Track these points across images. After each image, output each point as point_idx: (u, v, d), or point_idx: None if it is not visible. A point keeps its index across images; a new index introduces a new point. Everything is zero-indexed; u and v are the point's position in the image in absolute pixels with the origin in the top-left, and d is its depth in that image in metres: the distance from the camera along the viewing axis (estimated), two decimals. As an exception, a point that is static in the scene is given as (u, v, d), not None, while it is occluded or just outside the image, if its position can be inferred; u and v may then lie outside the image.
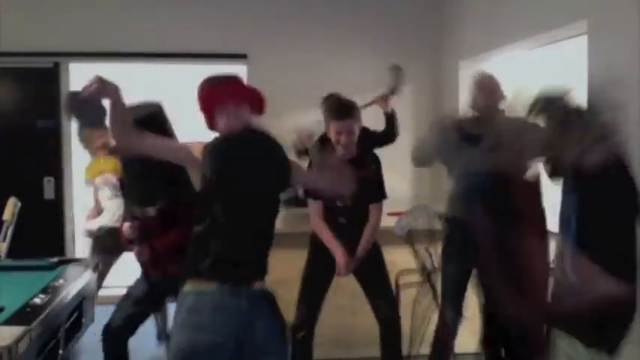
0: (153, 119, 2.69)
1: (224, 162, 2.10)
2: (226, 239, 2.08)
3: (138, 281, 2.93)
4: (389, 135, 4.10)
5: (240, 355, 2.08)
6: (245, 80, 2.39)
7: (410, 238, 3.14)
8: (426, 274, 3.15)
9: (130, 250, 2.93)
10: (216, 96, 2.21)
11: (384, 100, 4.14)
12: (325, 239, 3.13)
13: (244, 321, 2.06)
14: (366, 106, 3.85)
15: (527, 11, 4.00)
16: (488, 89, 3.06)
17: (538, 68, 4.24)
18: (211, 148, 2.11)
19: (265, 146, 2.21)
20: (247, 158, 2.12)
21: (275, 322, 2.16)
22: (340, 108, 3.12)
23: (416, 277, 3.22)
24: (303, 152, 4.25)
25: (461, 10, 5.23)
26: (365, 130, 3.38)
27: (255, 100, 2.27)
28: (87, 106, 2.92)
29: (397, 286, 3.44)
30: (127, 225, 2.86)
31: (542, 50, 3.99)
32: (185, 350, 2.03)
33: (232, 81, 2.29)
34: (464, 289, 3.18)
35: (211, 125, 2.25)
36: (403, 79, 4.21)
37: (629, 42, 2.90)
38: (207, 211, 2.08)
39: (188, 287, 2.08)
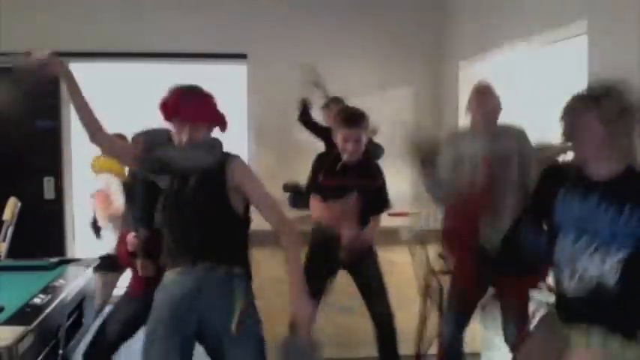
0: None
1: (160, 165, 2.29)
2: (169, 229, 2.28)
3: (127, 302, 2.87)
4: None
5: (199, 327, 2.19)
6: (245, 80, 2.40)
7: (420, 240, 3.15)
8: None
9: (129, 264, 2.87)
10: (163, 110, 2.30)
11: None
12: (329, 219, 3.11)
13: (192, 298, 2.16)
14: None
15: (527, 11, 4.00)
16: (486, 103, 2.95)
17: (538, 68, 4.23)
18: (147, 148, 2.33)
19: (196, 154, 2.27)
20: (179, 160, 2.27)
21: (233, 305, 2.17)
22: (350, 116, 3.13)
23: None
24: (307, 114, 4.54)
25: (461, 11, 5.24)
26: (371, 141, 3.39)
27: (216, 122, 2.33)
28: None
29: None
30: (131, 236, 2.81)
31: (542, 50, 3.99)
32: (147, 332, 2.20)
33: (188, 98, 2.32)
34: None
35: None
36: (317, 75, 4.28)
37: (629, 42, 2.90)
38: (160, 208, 2.32)
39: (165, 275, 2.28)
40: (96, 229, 3.99)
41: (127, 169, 3.33)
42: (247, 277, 2.23)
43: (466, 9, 5.13)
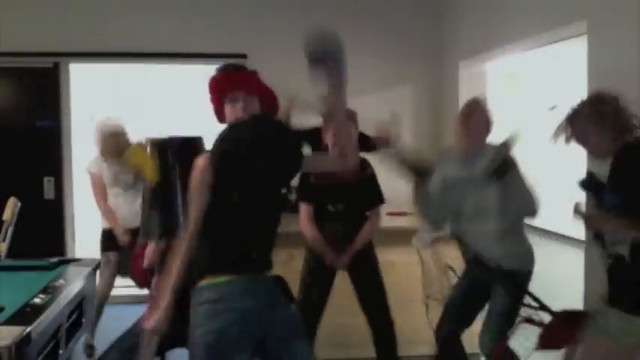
0: (193, 148, 2.66)
1: (234, 148, 2.00)
2: (241, 230, 2.06)
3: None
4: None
5: (263, 340, 2.07)
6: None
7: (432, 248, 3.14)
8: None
9: (144, 281, 2.79)
10: (227, 83, 2.17)
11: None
12: (312, 241, 3.16)
13: (267, 304, 2.06)
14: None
15: (527, 11, 4.00)
16: (477, 123, 2.85)
17: (538, 68, 4.24)
18: (221, 137, 2.03)
19: (276, 131, 2.08)
20: (257, 143, 2.00)
21: (291, 307, 2.18)
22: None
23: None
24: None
25: (461, 10, 5.23)
26: (361, 135, 3.39)
27: (266, 97, 2.24)
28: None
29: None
30: (151, 249, 2.70)
31: (542, 50, 3.99)
32: (216, 337, 1.97)
33: (244, 71, 2.26)
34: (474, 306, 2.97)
35: (220, 117, 2.22)
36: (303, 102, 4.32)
37: (629, 42, 2.90)
38: (220, 204, 2.05)
39: (204, 283, 2.04)
40: None
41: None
42: None
43: (466, 9, 5.13)
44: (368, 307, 3.23)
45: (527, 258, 2.87)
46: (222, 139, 2.02)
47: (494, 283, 2.80)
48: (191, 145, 2.90)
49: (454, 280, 3.05)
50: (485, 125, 2.87)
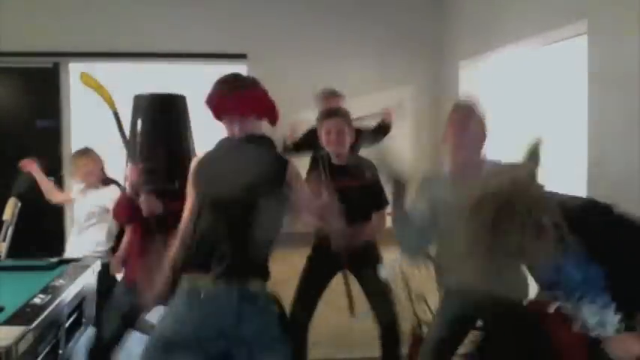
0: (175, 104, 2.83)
1: (208, 168, 2.18)
2: (215, 239, 2.12)
3: (124, 293, 2.91)
4: (377, 138, 4.13)
5: (230, 353, 2.07)
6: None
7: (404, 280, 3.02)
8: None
9: (130, 218, 2.87)
10: (222, 108, 2.20)
11: (389, 114, 4.16)
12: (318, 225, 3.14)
13: (232, 317, 2.04)
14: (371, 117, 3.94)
15: (527, 11, 4.00)
16: (473, 133, 2.33)
17: (538, 68, 4.24)
18: (201, 157, 2.21)
19: (256, 153, 2.18)
20: (231, 164, 2.16)
21: (269, 324, 2.12)
22: (328, 110, 3.21)
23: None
24: (289, 147, 4.38)
25: (461, 11, 5.23)
26: (358, 131, 3.39)
27: (264, 111, 2.24)
28: None
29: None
30: (131, 169, 2.80)
31: (542, 50, 3.99)
32: (166, 338, 2.04)
33: (240, 90, 2.22)
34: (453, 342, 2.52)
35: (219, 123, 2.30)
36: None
37: (629, 42, 2.90)
38: (199, 210, 2.16)
39: (184, 279, 2.12)
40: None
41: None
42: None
43: (466, 9, 5.13)
44: (373, 303, 3.22)
45: (524, 288, 2.39)
46: (200, 160, 2.21)
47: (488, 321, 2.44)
48: (161, 102, 3.07)
49: (427, 315, 2.85)
50: (482, 135, 2.37)
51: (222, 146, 2.24)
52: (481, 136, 2.35)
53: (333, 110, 3.18)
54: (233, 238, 2.13)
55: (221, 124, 2.25)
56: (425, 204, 2.39)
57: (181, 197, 2.31)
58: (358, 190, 3.11)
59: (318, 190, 2.85)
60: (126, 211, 2.91)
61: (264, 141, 2.25)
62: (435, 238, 2.42)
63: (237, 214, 2.14)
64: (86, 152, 3.72)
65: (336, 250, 3.07)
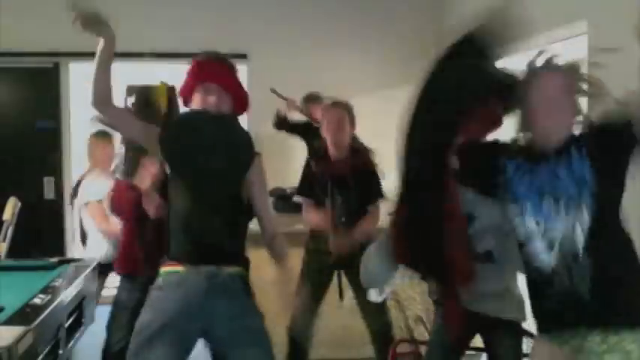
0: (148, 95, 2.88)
1: (175, 138, 2.07)
2: (186, 222, 2.09)
3: (128, 290, 2.89)
4: None
5: (203, 337, 2.10)
6: (245, 80, 2.37)
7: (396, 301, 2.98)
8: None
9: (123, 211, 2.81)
10: (208, 70, 2.18)
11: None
12: (316, 225, 3.18)
13: (200, 302, 2.04)
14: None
15: (527, 12, 4.00)
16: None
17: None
18: (167, 126, 2.13)
19: (226, 127, 2.12)
20: (201, 136, 2.05)
21: (242, 307, 2.10)
22: (330, 103, 3.32)
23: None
24: (283, 120, 4.52)
25: (461, 11, 5.23)
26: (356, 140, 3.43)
27: (239, 97, 2.23)
28: None
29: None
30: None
31: (542, 50, 4.00)
32: (145, 332, 2.03)
33: (228, 66, 2.24)
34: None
35: (186, 100, 2.24)
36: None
37: (629, 42, 2.89)
38: (169, 194, 2.13)
39: (161, 271, 2.14)
40: (84, 240, 3.78)
41: None
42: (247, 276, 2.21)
43: (466, 9, 5.13)
44: (365, 309, 3.22)
45: (521, 307, 2.34)
46: (172, 124, 2.15)
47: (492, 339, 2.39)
48: (147, 92, 3.15)
49: (426, 336, 2.80)
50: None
51: (195, 117, 2.12)
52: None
53: (334, 102, 3.27)
54: (209, 219, 2.08)
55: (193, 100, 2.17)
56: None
57: None
58: (354, 179, 3.13)
59: (326, 223, 2.92)
60: (132, 207, 2.79)
61: (237, 122, 2.20)
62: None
63: (213, 193, 2.09)
64: (107, 136, 3.47)
65: (332, 252, 3.09)
